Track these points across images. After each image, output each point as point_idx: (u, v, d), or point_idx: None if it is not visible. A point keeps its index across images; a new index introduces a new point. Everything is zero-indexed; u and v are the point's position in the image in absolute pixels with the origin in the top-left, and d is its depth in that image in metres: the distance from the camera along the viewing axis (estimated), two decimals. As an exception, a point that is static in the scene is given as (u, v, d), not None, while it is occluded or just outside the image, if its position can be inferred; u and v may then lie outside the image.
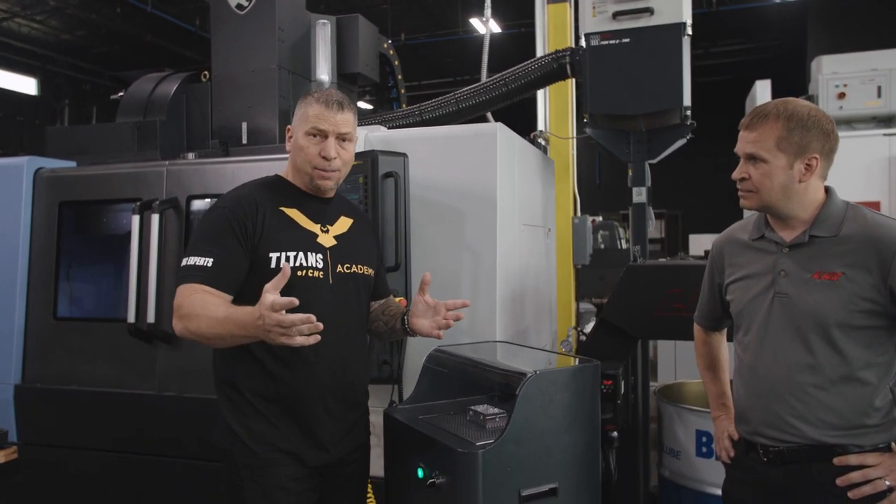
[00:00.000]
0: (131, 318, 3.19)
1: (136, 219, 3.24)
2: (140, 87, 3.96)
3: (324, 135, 1.93)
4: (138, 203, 3.27)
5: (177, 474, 3.25)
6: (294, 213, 1.97)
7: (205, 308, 1.74)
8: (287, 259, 1.89)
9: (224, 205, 1.94)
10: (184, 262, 1.86)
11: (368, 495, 2.61)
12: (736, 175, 1.79)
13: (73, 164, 3.73)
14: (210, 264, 1.82)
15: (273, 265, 1.88)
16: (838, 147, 1.76)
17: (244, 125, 3.67)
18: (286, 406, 1.91)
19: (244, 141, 3.65)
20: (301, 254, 1.92)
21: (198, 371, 3.21)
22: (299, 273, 1.90)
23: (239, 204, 1.91)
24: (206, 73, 3.99)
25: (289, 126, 2.02)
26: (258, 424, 1.89)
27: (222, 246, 1.85)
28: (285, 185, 2.02)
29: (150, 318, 3.17)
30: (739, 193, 1.79)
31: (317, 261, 1.93)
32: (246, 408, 1.90)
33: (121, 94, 4.04)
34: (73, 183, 3.55)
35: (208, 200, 3.34)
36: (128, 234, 3.39)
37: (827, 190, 1.78)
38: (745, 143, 1.75)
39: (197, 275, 1.82)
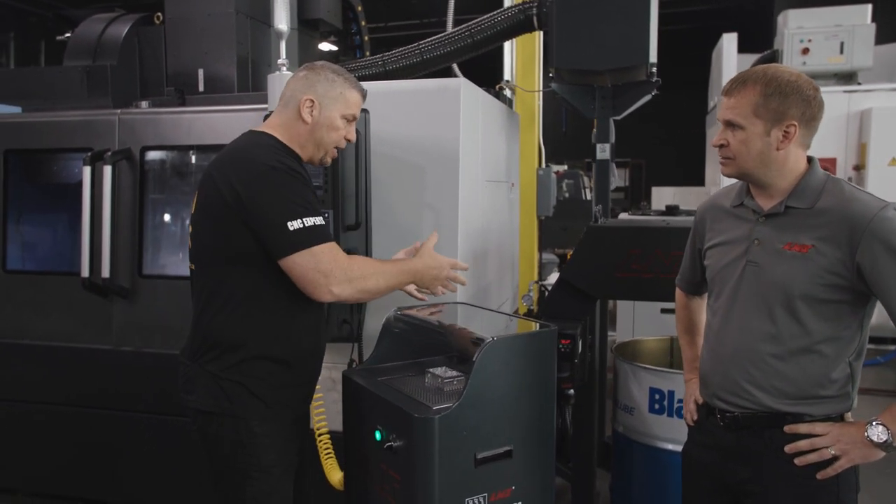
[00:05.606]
0: (85, 272, 3.12)
1: (87, 170, 3.13)
2: (88, 28, 3.77)
3: (354, 121, 2.12)
4: (90, 153, 3.15)
5: (135, 428, 3.25)
6: None
7: (373, 266, 1.99)
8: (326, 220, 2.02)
9: (294, 170, 1.95)
10: (304, 223, 1.85)
11: (328, 448, 2.65)
12: (715, 142, 1.76)
13: (17, 109, 3.57)
14: (324, 223, 1.92)
15: None
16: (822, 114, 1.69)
17: (200, 72, 3.54)
18: (295, 364, 2.01)
19: (201, 88, 3.52)
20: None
21: (156, 327, 3.18)
22: None
23: (303, 169, 2.00)
24: (159, 14, 3.81)
25: (311, 98, 2.00)
26: (265, 380, 1.96)
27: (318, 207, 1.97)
28: (290, 151, 2.04)
29: (105, 272, 3.11)
30: (720, 161, 1.77)
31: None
32: (256, 367, 1.95)
33: (67, 35, 3.84)
34: (19, 130, 3.40)
35: (162, 153, 3.25)
36: (79, 185, 3.28)
37: (810, 160, 1.75)
38: (724, 109, 1.72)
39: (327, 234, 1.92)
